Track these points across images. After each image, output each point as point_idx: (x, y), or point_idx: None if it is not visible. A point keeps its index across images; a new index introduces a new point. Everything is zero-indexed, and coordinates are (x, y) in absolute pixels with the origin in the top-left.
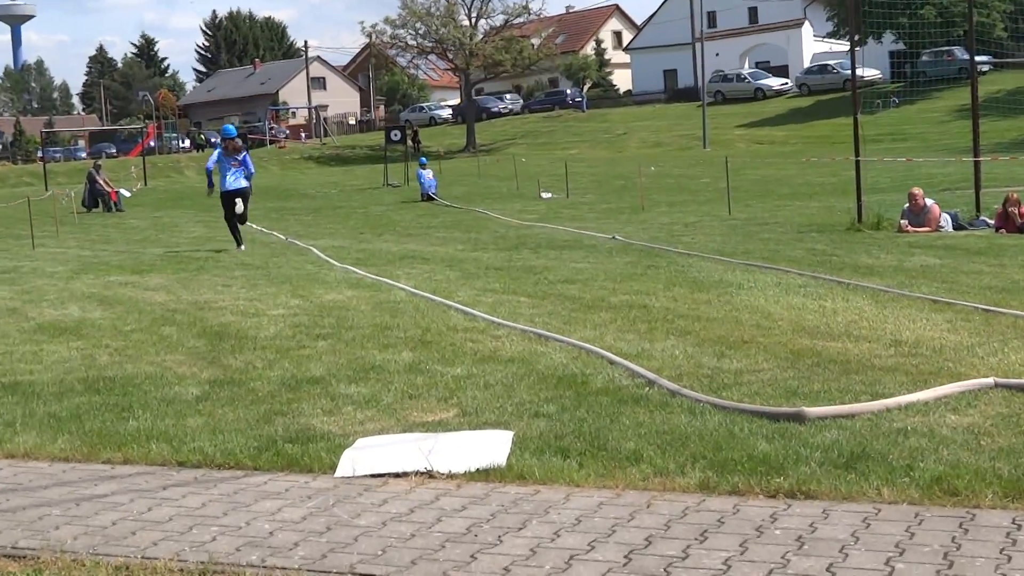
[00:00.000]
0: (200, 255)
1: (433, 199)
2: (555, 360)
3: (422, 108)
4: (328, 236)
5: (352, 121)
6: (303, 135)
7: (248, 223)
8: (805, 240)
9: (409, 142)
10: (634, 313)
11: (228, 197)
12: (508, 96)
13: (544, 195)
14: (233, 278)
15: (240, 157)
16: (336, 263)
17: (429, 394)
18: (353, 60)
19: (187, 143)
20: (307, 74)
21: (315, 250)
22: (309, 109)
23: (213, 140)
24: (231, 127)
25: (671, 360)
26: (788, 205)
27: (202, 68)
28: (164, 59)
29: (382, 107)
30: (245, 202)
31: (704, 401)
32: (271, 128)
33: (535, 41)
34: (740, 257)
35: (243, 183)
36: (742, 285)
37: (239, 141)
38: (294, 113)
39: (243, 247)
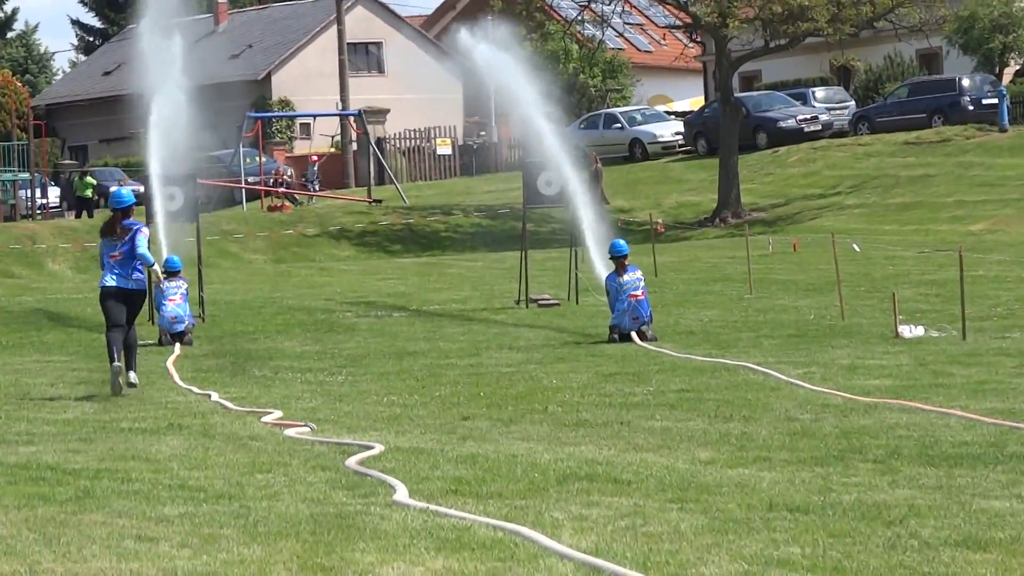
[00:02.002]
0: (81, 462)
1: (638, 338)
2: None
3: (615, 120)
4: (385, 422)
5: (445, 149)
6: (309, 182)
7: (197, 390)
8: None
9: None
10: None
11: (106, 297)
12: (818, 92)
13: (908, 331)
14: (163, 521)
15: (123, 245)
16: (406, 495)
17: None
18: (450, 3)
19: (55, 195)
20: (339, 37)
21: (352, 464)
22: (342, 118)
23: (115, 188)
24: (124, 192)
25: None
26: None
27: (93, 22)
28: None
29: None
30: (133, 310)
31: None
32: (254, 160)
33: None
34: None
35: (132, 281)
36: None
37: (134, 222)
38: (307, 128)
39: (133, 376)
